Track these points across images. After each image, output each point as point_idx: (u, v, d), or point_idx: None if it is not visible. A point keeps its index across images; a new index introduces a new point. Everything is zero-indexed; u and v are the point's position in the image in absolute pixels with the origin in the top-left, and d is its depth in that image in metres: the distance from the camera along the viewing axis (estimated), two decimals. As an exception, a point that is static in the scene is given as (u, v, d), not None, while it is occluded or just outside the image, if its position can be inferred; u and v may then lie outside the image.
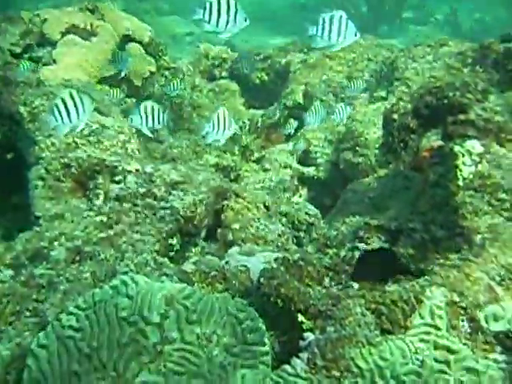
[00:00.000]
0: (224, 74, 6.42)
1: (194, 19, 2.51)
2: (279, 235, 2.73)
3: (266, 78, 6.37)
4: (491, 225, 2.73)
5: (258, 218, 2.73)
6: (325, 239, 3.52)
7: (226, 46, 6.62)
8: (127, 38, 4.79)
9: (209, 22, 2.49)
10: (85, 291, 2.14)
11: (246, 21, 2.57)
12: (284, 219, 3.07)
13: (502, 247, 2.29)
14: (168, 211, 2.60)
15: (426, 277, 2.20)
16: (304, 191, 5.25)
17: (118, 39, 4.68)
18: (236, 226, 2.66)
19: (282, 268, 2.30)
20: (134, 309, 1.93)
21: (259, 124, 5.83)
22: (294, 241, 2.91)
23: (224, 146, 5.78)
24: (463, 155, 2.88)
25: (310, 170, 5.20)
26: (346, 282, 3.22)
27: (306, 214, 3.09)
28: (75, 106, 2.39)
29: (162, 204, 2.63)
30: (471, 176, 2.85)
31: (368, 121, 4.82)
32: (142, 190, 2.66)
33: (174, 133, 5.77)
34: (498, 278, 2.19)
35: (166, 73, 5.10)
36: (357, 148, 4.74)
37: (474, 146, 2.97)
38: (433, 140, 3.60)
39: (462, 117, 3.10)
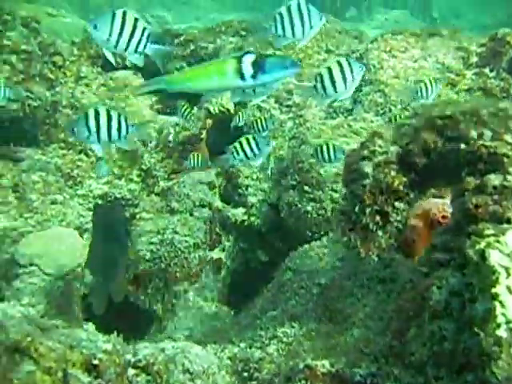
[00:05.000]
0: (128, 62, 4.85)
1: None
2: None
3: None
4: None
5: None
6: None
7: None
8: None
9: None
10: None
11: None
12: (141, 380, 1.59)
13: None
14: None
15: None
16: (229, 242, 3.80)
17: None
18: None
19: None
20: None
21: (171, 138, 4.33)
22: None
23: (119, 169, 4.29)
24: (509, 273, 1.47)
25: (239, 213, 3.76)
26: None
27: (186, 371, 1.62)
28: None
29: None
30: (524, 316, 1.45)
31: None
32: None
33: (46, 147, 4.19)
34: None
35: (12, 59, 3.53)
36: (305, 188, 3.31)
37: (525, 245, 1.59)
38: (430, 199, 2.22)
39: (495, 180, 1.70)
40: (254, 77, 1.82)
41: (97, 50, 4.62)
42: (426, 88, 2.68)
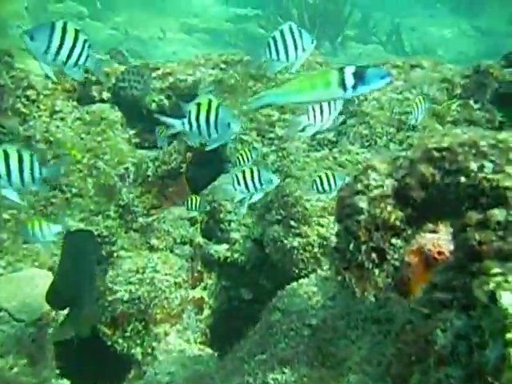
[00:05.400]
0: (106, 95, 4.76)
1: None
2: None
3: (166, 102, 4.78)
4: None
5: None
6: None
7: (108, 54, 4.95)
8: None
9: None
10: None
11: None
12: None
13: None
14: None
15: None
16: (211, 280, 3.65)
17: None
18: None
19: None
20: None
21: (150, 172, 4.21)
22: None
23: (96, 205, 4.13)
24: (523, 316, 1.37)
25: (221, 249, 3.62)
26: None
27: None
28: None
29: None
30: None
31: (309, 178, 3.32)
32: None
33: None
34: None
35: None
36: (291, 222, 3.21)
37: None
38: (425, 234, 2.13)
39: (499, 215, 1.62)
40: (354, 87, 1.89)
41: (72, 83, 4.52)
42: (418, 107, 2.66)
